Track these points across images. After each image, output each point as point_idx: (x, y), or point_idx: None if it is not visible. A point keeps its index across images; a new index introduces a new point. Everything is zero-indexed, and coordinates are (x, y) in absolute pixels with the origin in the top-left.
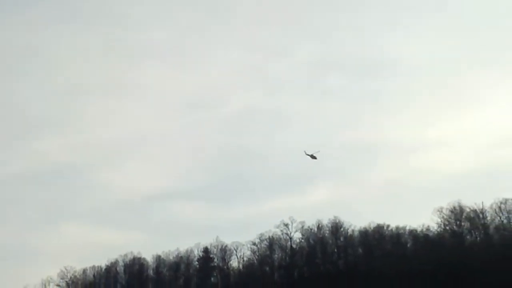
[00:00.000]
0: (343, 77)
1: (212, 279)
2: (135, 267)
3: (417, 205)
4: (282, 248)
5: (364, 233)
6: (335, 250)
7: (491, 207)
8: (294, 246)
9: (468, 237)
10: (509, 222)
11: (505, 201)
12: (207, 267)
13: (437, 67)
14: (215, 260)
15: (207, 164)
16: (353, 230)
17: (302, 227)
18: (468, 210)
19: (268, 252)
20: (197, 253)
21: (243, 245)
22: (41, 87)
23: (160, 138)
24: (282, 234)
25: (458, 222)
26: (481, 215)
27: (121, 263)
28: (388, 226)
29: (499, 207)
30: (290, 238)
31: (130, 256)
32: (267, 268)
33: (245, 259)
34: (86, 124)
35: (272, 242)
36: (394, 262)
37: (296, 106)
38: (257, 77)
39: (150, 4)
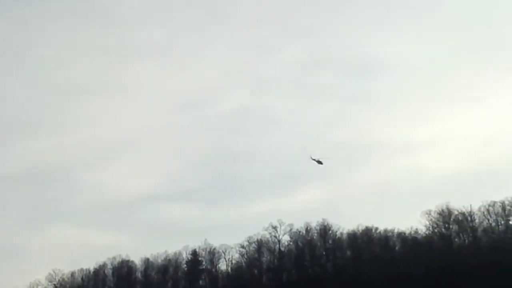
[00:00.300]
0: (334, 76)
1: (200, 282)
2: (124, 270)
3: (406, 208)
4: (271, 251)
5: (353, 236)
6: (324, 253)
7: (479, 209)
8: (282, 249)
9: (456, 240)
10: (497, 225)
11: (493, 203)
12: (195, 270)
13: (426, 67)
14: (204, 263)
15: (196, 165)
16: (341, 233)
17: (291, 229)
18: (456, 212)
19: (256, 255)
20: (185, 256)
21: (232, 247)
22: (31, 87)
23: (149, 139)
24: (271, 236)
25: (446, 225)
26: (469, 218)
27: (109, 266)
28: (376, 229)
29: (488, 210)
30: (279, 241)
31: (118, 259)
32: (256, 271)
33: (233, 262)
34: (75, 124)
35: (260, 245)
36: (383, 265)
37: (286, 105)
38: (247, 76)
39: (142, 4)
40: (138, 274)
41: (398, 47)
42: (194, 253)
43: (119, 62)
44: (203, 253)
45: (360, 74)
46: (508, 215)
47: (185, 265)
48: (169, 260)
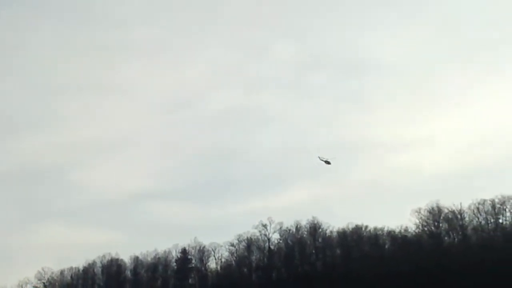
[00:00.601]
0: (326, 76)
1: (190, 280)
2: (113, 268)
3: (396, 206)
4: (260, 249)
5: (342, 234)
6: (313, 251)
7: (469, 208)
8: (272, 247)
9: (446, 238)
10: (487, 223)
11: (483, 202)
12: (185, 268)
13: (419, 67)
14: (193, 261)
15: (186, 164)
16: (331, 231)
17: (280, 228)
18: (446, 211)
19: (246, 253)
20: (175, 254)
21: (221, 246)
22: (20, 86)
23: (141, 138)
24: (260, 235)
25: (436, 223)
26: (459, 216)
27: (98, 264)
28: (366, 227)
29: (477, 208)
30: (268, 239)
31: (108, 257)
32: (245, 269)
33: (223, 260)
34: (64, 123)
35: (250, 243)
36: (372, 264)
37: (278, 104)
38: (240, 75)
39: (130, 3)
40: (128, 273)
41: (391, 47)
42: (184, 252)
43: (112, 61)
44: (193, 251)
45: (352, 74)
46: (497, 214)
47: (174, 264)
48: (159, 258)
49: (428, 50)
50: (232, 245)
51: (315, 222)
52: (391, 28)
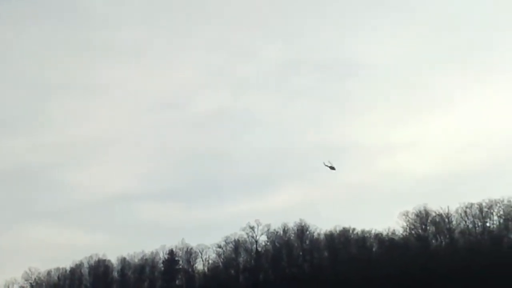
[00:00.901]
0: (312, 78)
1: (177, 281)
2: (100, 269)
3: (383, 209)
4: (248, 251)
5: (330, 237)
6: (301, 253)
7: (456, 211)
8: (259, 249)
9: (433, 241)
10: (474, 226)
11: (471, 205)
12: (172, 270)
13: (405, 69)
14: (180, 262)
15: (173, 165)
16: (318, 234)
17: (268, 230)
18: (433, 214)
19: (233, 255)
20: (162, 255)
21: (209, 247)
22: (5, 87)
23: (128, 139)
24: (248, 237)
25: (423, 226)
26: (446, 220)
27: (86, 265)
28: (353, 229)
29: (465, 212)
30: (256, 241)
31: (95, 258)
32: (233, 271)
33: (210, 261)
34: (50, 124)
35: (237, 245)
36: (360, 266)
37: (263, 107)
38: (225, 77)
39: (116, 4)
40: (115, 274)
41: (376, 49)
42: (171, 253)
43: (98, 62)
44: (180, 252)
45: (338, 76)
46: (485, 217)
47: (161, 265)
48: (146, 259)
49: (414, 52)
50: (220, 246)
51: (303, 224)
52: (378, 30)
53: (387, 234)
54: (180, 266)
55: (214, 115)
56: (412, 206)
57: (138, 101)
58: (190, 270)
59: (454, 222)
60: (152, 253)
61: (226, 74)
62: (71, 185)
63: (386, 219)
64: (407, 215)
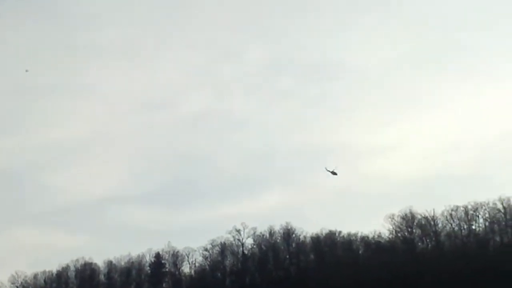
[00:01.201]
0: (296, 79)
1: (163, 284)
2: (87, 272)
3: (369, 212)
4: (234, 254)
5: (316, 240)
6: (287, 256)
7: (442, 214)
8: (246, 252)
9: (419, 244)
10: (460, 229)
11: (456, 208)
12: (158, 273)
13: (389, 71)
14: (167, 265)
15: (158, 168)
16: (305, 237)
17: (254, 233)
18: (419, 217)
19: (220, 258)
20: (148, 258)
21: (195, 250)
22: None
23: (111, 141)
24: (234, 240)
25: (409, 229)
26: (432, 222)
27: (72, 268)
28: (340, 232)
29: (450, 215)
30: (242, 244)
31: (81, 261)
32: (219, 274)
33: (197, 264)
34: (35, 126)
35: (224, 248)
36: (346, 269)
37: (247, 108)
38: (209, 79)
39: (100, 4)
40: (101, 277)
41: (360, 51)
42: (158, 256)
43: (82, 62)
44: (167, 256)
45: (323, 77)
46: (471, 220)
47: (148, 268)
48: (132, 262)
49: (397, 54)
50: (206, 249)
51: (289, 227)
52: (360, 32)
53: (373, 237)
54: (167, 269)
55: (199, 116)
56: (398, 209)
57: (123, 103)
58: (176, 273)
59: (440, 225)
60: (138, 256)
61: (211, 75)
62: (56, 187)
63: (372, 222)
64: (393, 218)
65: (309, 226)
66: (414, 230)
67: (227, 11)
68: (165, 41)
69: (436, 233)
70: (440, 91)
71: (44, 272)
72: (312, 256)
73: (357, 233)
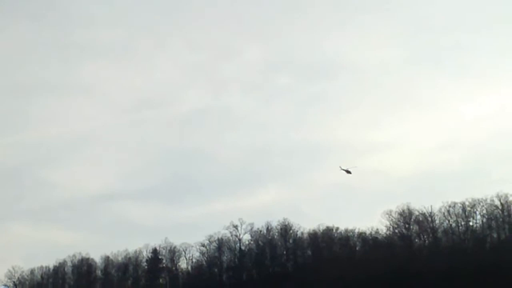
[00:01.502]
0: (292, 78)
1: (160, 280)
2: (83, 267)
3: (367, 208)
4: (231, 249)
5: (313, 236)
6: (284, 252)
7: (439, 210)
8: (243, 247)
9: (416, 240)
10: (457, 225)
11: (454, 204)
12: (155, 268)
13: (385, 70)
14: (164, 261)
15: (157, 164)
16: (302, 232)
17: (251, 228)
18: (417, 213)
19: (217, 254)
20: (145, 254)
21: (192, 246)
22: None
23: (108, 137)
24: (231, 235)
25: (407, 225)
26: (429, 219)
27: (69, 264)
28: (337, 228)
29: (448, 211)
30: (239, 240)
31: (78, 257)
32: (216, 270)
33: (194, 260)
34: (32, 123)
35: (221, 244)
36: (343, 265)
37: (244, 106)
38: (206, 77)
39: (97, 3)
40: (98, 272)
41: (356, 50)
42: (155, 252)
43: (77, 61)
44: (164, 251)
45: (319, 76)
46: (468, 216)
47: (145, 263)
48: (129, 258)
49: (395, 53)
50: (203, 245)
51: (286, 223)
52: (359, 31)
53: (371, 233)
54: (164, 265)
55: (196, 114)
56: (396, 205)
57: (119, 100)
58: (173, 268)
59: (437, 221)
60: (135, 251)
61: (208, 74)
62: (53, 183)
63: (369, 218)
64: (391, 214)
65: (306, 222)
66: (411, 227)
67: (225, 10)
68: (162, 40)
69: (434, 230)
70: (438, 89)
71: (41, 267)
72: (309, 252)
73: (355, 229)
